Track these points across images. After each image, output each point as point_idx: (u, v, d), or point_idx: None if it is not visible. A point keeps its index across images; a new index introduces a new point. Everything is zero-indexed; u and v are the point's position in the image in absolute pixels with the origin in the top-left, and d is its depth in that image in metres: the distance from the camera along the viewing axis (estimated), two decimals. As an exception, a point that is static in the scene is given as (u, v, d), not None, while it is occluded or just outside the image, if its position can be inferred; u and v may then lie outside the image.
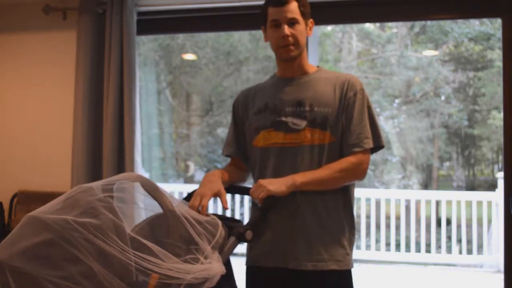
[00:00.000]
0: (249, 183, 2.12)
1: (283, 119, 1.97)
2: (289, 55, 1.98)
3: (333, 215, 1.94)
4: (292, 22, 1.95)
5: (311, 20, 2.04)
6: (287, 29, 1.94)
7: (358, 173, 1.94)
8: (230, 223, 1.79)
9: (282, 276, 1.93)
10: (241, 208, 6.82)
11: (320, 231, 1.92)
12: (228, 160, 2.21)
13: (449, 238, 6.50)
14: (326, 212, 1.93)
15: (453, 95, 9.22)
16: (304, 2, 2.00)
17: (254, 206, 2.05)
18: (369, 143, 1.95)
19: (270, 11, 1.98)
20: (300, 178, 1.88)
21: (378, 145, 1.99)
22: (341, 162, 1.93)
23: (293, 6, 1.95)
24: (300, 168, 1.92)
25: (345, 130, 1.96)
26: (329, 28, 8.93)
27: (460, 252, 6.44)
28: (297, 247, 1.91)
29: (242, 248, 2.04)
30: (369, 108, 1.99)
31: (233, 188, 2.10)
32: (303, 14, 1.98)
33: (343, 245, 1.94)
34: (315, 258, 1.90)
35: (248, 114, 2.08)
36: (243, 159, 2.14)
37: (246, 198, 6.26)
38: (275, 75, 2.12)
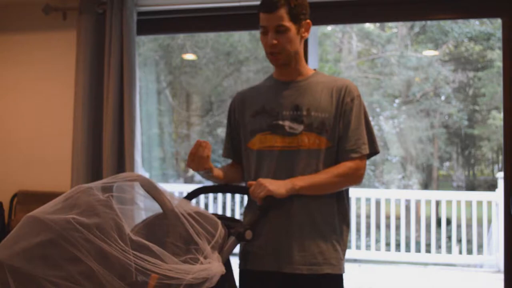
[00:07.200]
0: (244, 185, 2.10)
1: (280, 122, 1.97)
2: (276, 63, 1.99)
3: (327, 219, 1.94)
4: (279, 30, 1.92)
5: (307, 21, 1.98)
6: (271, 38, 1.92)
7: (356, 178, 1.95)
8: (230, 223, 1.79)
9: (276, 279, 1.93)
10: (241, 208, 6.82)
11: (314, 235, 1.91)
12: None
13: (449, 238, 6.49)
14: (320, 216, 1.93)
15: (453, 95, 9.22)
16: (297, 4, 1.93)
17: (250, 205, 2.04)
18: (366, 149, 1.96)
19: (261, 17, 1.95)
20: (299, 182, 1.88)
21: (373, 151, 2.00)
22: (338, 167, 1.93)
23: (282, 13, 1.90)
24: (296, 171, 1.92)
25: (342, 136, 1.96)
26: (329, 28, 8.91)
27: (460, 252, 6.43)
28: (292, 251, 1.90)
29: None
30: (365, 114, 2.00)
31: (232, 187, 2.10)
32: (294, 18, 1.92)
33: (336, 250, 1.94)
34: (310, 262, 1.90)
35: (244, 116, 2.07)
36: (239, 161, 2.13)
37: (246, 198, 6.24)
38: (272, 77, 2.10)
